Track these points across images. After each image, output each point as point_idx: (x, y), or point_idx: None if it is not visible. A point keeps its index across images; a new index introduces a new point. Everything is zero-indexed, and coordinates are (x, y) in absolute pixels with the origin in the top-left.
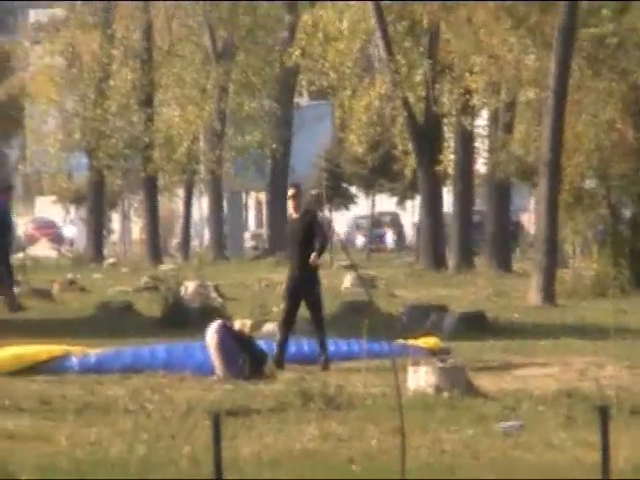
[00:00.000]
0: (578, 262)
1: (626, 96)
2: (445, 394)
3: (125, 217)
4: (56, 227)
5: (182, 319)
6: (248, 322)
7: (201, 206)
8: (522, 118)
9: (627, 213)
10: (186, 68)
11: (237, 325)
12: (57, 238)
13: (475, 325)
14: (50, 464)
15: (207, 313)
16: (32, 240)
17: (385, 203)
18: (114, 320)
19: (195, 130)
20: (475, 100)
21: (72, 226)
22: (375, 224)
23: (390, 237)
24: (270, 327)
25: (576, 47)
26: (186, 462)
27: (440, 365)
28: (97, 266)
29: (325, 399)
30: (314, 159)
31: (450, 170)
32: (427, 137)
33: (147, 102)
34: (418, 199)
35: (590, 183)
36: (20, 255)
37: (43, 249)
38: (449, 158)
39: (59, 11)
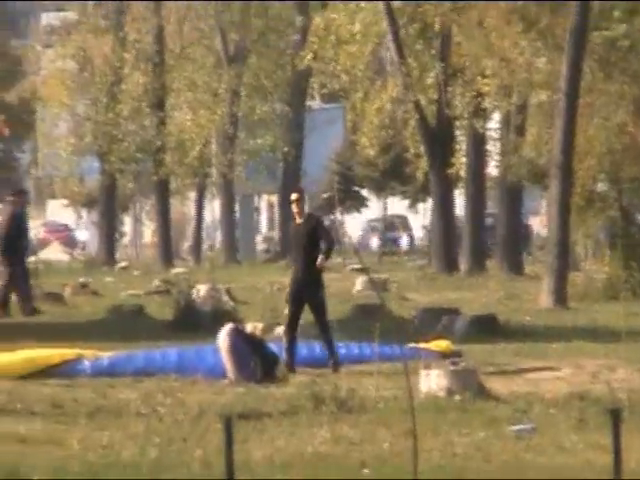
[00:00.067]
0: (589, 265)
1: (637, 99)
2: (457, 397)
3: (137, 220)
4: (69, 230)
5: (194, 322)
6: (260, 325)
7: (213, 209)
8: (534, 121)
9: (638, 216)
10: (198, 71)
11: (249, 328)
12: (69, 241)
13: (487, 328)
14: (62, 467)
15: (219, 316)
16: (44, 243)
17: (397, 206)
18: (126, 323)
19: (207, 133)
20: (487, 103)
21: (85, 229)
22: (389, 227)
23: (405, 240)
24: (281, 330)
25: (587, 50)
26: (198, 465)
27: (452, 368)
28: (109, 269)
29: (337, 402)
30: (326, 162)
31: (462, 173)
32: (439, 140)
33: (159, 106)
34: (430, 202)
35: (601, 186)
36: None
37: (55, 253)
38: (461, 161)
39: (71, 14)
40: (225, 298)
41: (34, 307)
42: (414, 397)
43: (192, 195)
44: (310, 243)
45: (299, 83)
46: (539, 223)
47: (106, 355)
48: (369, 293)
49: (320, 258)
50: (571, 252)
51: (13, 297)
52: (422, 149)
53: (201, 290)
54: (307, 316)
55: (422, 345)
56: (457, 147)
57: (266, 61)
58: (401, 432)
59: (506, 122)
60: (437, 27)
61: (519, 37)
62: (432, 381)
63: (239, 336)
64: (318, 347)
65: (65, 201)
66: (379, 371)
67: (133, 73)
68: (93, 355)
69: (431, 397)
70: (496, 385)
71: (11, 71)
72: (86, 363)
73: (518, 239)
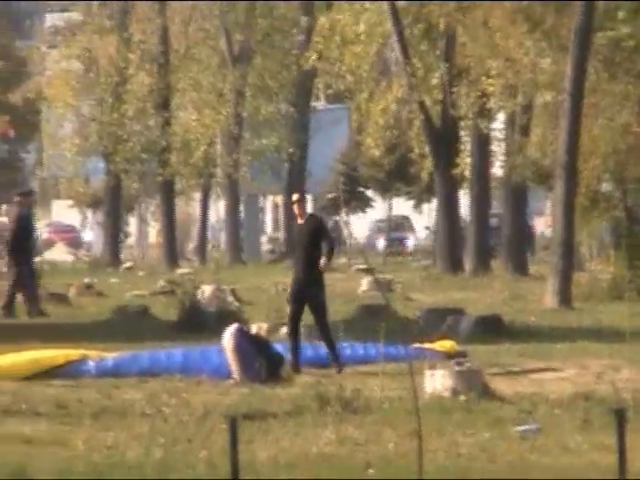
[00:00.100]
0: (594, 265)
1: None
2: (462, 397)
3: (142, 221)
4: (75, 231)
5: (199, 323)
6: (265, 326)
7: (218, 210)
8: (539, 121)
9: None
10: (203, 72)
11: (254, 329)
12: (74, 242)
13: (491, 328)
14: (67, 468)
15: (224, 317)
16: (49, 244)
17: (402, 207)
18: (131, 324)
19: (212, 134)
20: (492, 103)
21: (90, 230)
22: (396, 227)
23: (412, 240)
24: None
25: (592, 50)
26: (203, 465)
27: (456, 368)
28: (114, 270)
29: (342, 403)
30: (331, 162)
31: (467, 173)
32: (444, 140)
33: (164, 106)
34: (434, 202)
35: (606, 186)
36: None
37: (60, 253)
38: (466, 161)
39: (75, 15)
40: (230, 299)
41: (40, 309)
42: (419, 397)
43: (197, 195)
44: (311, 243)
45: (304, 83)
46: (544, 223)
47: (111, 356)
48: (374, 293)
49: (323, 261)
50: (576, 252)
51: (19, 298)
52: (427, 149)
53: (206, 291)
54: (308, 317)
55: (427, 345)
56: (462, 147)
57: (271, 61)
58: (406, 433)
59: (511, 122)
60: (442, 27)
61: (524, 37)
62: (437, 381)
63: (244, 337)
64: (323, 348)
65: (70, 202)
66: (384, 372)
67: (138, 73)
68: (98, 356)
69: (436, 397)
70: (501, 385)
71: (16, 72)
72: (91, 364)
73: (523, 240)
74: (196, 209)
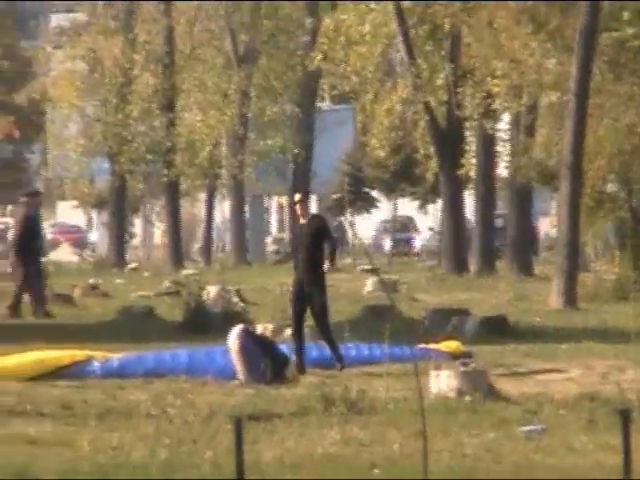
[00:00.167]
0: (599, 265)
1: None
2: (467, 398)
3: (147, 222)
4: (80, 232)
5: (204, 324)
6: (270, 326)
7: (223, 210)
8: (544, 122)
9: None
10: (208, 72)
11: (259, 329)
12: (79, 243)
13: (496, 329)
14: (72, 469)
15: (229, 318)
16: (54, 245)
17: (407, 207)
18: (136, 325)
19: (217, 135)
20: (497, 104)
21: (95, 230)
22: (402, 228)
23: (418, 241)
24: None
25: (597, 51)
26: (208, 466)
27: (462, 369)
28: (119, 271)
29: (347, 403)
30: (336, 163)
31: (472, 174)
32: (449, 141)
33: (169, 107)
34: (439, 203)
35: (611, 187)
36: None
37: (65, 254)
38: (471, 162)
39: (80, 16)
40: (235, 299)
41: (47, 310)
42: (424, 398)
43: (202, 196)
44: (313, 244)
45: (309, 84)
46: (549, 224)
47: (116, 356)
48: (379, 294)
49: (326, 264)
50: (581, 253)
51: (26, 298)
52: (432, 150)
53: (211, 291)
54: (311, 318)
55: (432, 346)
56: (467, 148)
57: (276, 62)
58: (411, 433)
59: (516, 123)
60: (447, 28)
61: (529, 38)
62: (442, 382)
63: (249, 337)
64: (328, 349)
65: (75, 202)
66: (389, 372)
67: (143, 74)
68: (103, 356)
69: (441, 398)
70: (506, 386)
71: (21, 72)
72: (96, 364)
73: (528, 240)
74: (201, 210)
